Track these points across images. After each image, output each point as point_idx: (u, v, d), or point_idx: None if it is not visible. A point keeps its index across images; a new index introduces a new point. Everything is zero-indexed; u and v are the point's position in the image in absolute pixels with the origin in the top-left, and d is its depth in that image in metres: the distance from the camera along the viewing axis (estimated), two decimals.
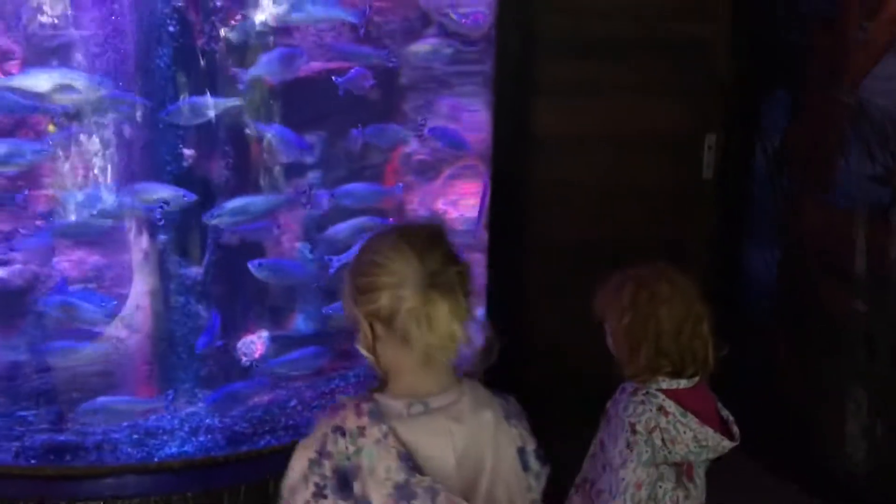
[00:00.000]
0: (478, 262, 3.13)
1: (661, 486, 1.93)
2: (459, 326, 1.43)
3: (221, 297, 2.92)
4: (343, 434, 1.41)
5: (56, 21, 2.62)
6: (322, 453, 1.42)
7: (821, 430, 3.04)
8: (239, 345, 2.91)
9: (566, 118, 3.11)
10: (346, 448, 1.41)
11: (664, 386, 1.92)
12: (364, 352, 1.48)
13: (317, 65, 2.96)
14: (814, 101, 3.04)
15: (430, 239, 1.47)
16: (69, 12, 2.63)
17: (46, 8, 2.61)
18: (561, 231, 3.17)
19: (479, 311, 3.09)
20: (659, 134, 3.25)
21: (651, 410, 1.89)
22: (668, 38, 3.17)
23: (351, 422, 1.42)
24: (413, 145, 3.06)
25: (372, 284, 1.44)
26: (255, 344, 2.92)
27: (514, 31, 3.06)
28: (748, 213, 3.34)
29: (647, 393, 1.91)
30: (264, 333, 2.94)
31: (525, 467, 1.52)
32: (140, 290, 2.82)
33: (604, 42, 3.09)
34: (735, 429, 1.95)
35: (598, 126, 3.14)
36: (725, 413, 1.98)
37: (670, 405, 1.89)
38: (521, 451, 1.53)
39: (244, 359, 2.89)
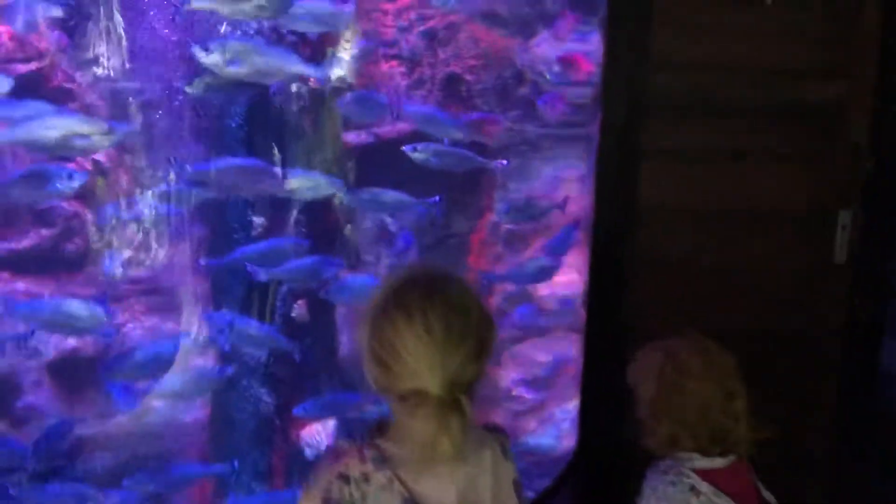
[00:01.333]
0: (574, 342, 2.87)
1: None
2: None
3: None
4: (347, 481, 1.44)
5: None
6: (328, 501, 1.44)
7: None
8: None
9: (674, 189, 2.77)
10: (351, 495, 1.43)
11: (697, 465, 1.85)
12: (373, 386, 1.51)
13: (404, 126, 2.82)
14: None
15: (457, 326, 1.44)
16: None
17: None
18: (664, 319, 2.81)
19: (573, 406, 2.82)
20: (782, 210, 2.86)
21: (683, 492, 1.81)
22: (796, 98, 2.79)
23: (355, 468, 1.45)
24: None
25: (391, 365, 1.45)
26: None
27: (623, 91, 2.77)
28: (891, 302, 2.91)
29: (680, 472, 1.84)
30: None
31: (519, 499, 1.59)
32: None
33: (722, 103, 2.75)
34: None
35: (711, 198, 2.79)
36: (768, 495, 1.90)
37: (703, 486, 1.82)
38: (516, 484, 1.59)
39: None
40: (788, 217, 2.86)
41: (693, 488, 1.81)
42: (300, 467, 2.92)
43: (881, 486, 2.93)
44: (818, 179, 2.85)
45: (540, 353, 3.28)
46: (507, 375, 3.31)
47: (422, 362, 1.41)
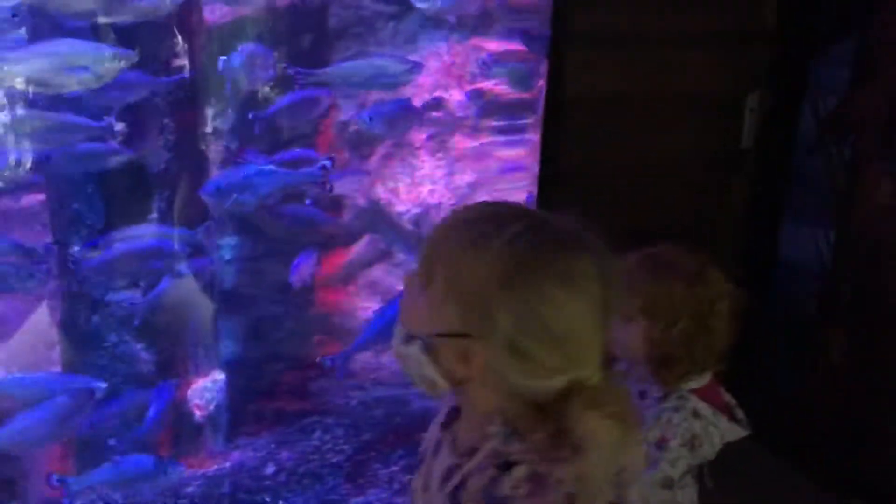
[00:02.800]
0: None
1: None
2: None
3: None
4: None
5: None
6: None
7: (881, 435, 2.69)
8: None
9: (591, 76, 2.67)
10: None
11: (693, 385, 1.72)
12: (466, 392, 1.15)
13: None
14: (887, 60, 2.63)
15: (613, 283, 1.10)
16: None
17: None
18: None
19: None
20: (692, 94, 2.81)
21: (686, 419, 1.69)
22: None
23: None
24: None
25: (537, 354, 1.08)
26: None
27: None
28: (792, 187, 2.94)
29: (681, 397, 1.71)
30: None
31: None
32: None
33: None
34: (741, 414, 1.74)
35: (625, 83, 2.70)
36: (729, 397, 1.77)
37: (702, 408, 1.71)
38: None
39: None
40: (696, 102, 2.83)
41: (696, 413, 1.68)
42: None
43: (780, 373, 3.01)
44: (730, 63, 2.82)
45: None
46: None
47: (587, 341, 1.08)
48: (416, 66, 2.85)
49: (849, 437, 2.76)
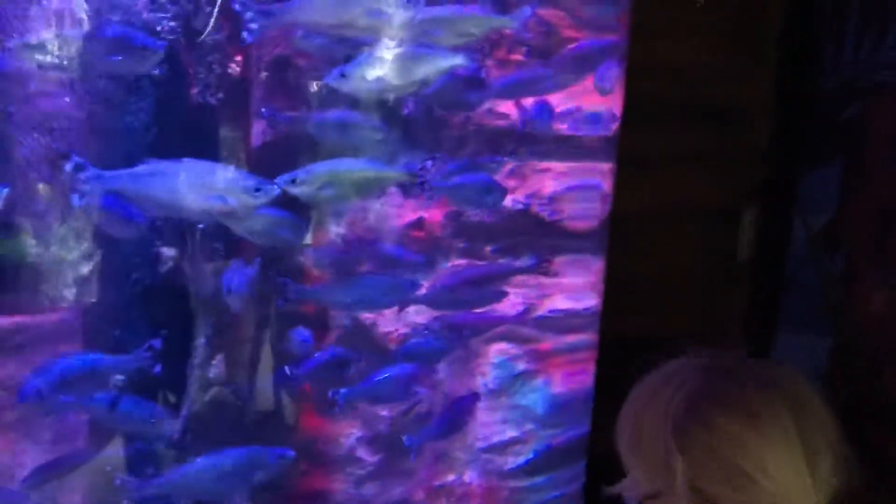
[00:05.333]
0: None
1: None
2: None
3: None
4: None
5: None
6: None
7: None
8: None
9: None
10: None
11: None
12: None
13: None
14: (879, 178, 2.81)
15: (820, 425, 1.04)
16: None
17: None
18: None
19: None
20: (691, 209, 2.95)
21: None
22: (705, 99, 2.89)
23: None
24: None
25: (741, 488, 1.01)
26: None
27: None
28: (787, 298, 3.07)
29: None
30: None
31: None
32: None
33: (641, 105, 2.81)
34: None
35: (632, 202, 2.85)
36: None
37: None
38: None
39: None
40: (695, 216, 2.97)
41: None
42: None
43: None
44: (724, 180, 2.98)
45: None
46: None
47: (786, 479, 1.00)
48: None
49: None
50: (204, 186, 2.03)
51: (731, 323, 3.08)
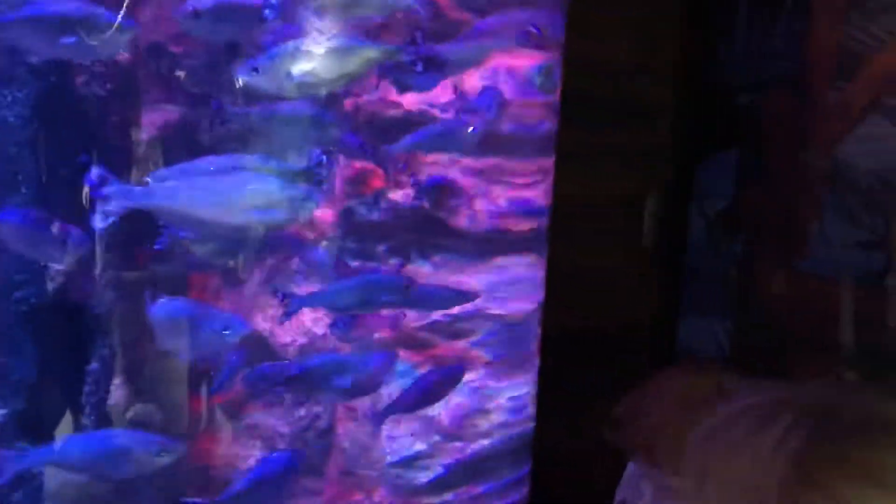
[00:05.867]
0: None
1: None
2: None
3: None
4: None
5: None
6: None
7: None
8: None
9: None
10: None
11: None
12: None
13: None
14: (771, 166, 2.95)
15: None
16: None
17: None
18: None
19: None
20: (600, 202, 3.01)
21: None
22: (612, 92, 2.94)
23: None
24: None
25: None
26: None
27: None
28: (690, 283, 3.18)
29: None
30: None
31: None
32: None
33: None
34: None
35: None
36: None
37: None
38: None
39: None
40: (607, 208, 3.03)
41: None
42: None
43: None
44: (632, 173, 3.05)
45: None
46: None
47: None
48: None
49: None
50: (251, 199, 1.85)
51: (643, 311, 3.16)
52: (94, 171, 1.83)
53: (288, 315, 2.42)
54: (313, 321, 3.01)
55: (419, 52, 2.35)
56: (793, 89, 2.86)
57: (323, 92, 2.14)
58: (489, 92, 2.53)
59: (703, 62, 3.04)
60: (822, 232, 2.80)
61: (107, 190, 1.84)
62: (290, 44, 2.04)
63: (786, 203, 2.90)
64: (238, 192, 1.92)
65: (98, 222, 1.87)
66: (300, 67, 2.02)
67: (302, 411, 2.78)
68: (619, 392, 1.35)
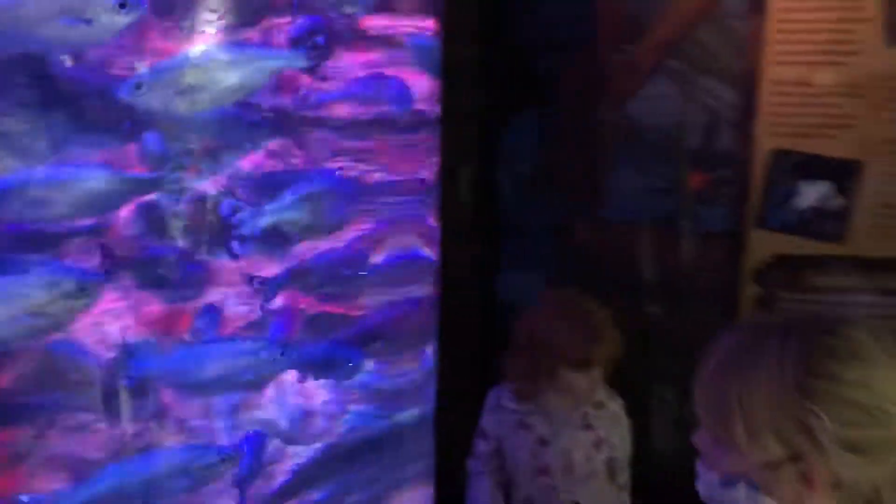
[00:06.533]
0: None
1: None
2: None
3: None
4: None
5: None
6: None
7: None
8: None
9: None
10: None
11: None
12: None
13: None
14: (570, 124, 3.19)
15: None
16: None
17: None
18: None
19: None
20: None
21: None
22: None
23: None
24: None
25: (880, 440, 1.08)
26: None
27: None
28: (507, 241, 3.39)
29: None
30: None
31: None
32: None
33: None
34: None
35: None
36: None
37: None
38: None
39: None
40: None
41: None
42: None
43: None
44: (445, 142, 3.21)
45: None
46: None
47: None
48: None
49: None
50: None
51: (465, 270, 3.34)
52: None
53: None
54: None
55: None
56: (581, 52, 3.11)
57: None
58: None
59: (505, 28, 3.23)
60: (619, 182, 3.09)
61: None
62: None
63: (585, 159, 3.16)
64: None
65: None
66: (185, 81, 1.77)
67: None
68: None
